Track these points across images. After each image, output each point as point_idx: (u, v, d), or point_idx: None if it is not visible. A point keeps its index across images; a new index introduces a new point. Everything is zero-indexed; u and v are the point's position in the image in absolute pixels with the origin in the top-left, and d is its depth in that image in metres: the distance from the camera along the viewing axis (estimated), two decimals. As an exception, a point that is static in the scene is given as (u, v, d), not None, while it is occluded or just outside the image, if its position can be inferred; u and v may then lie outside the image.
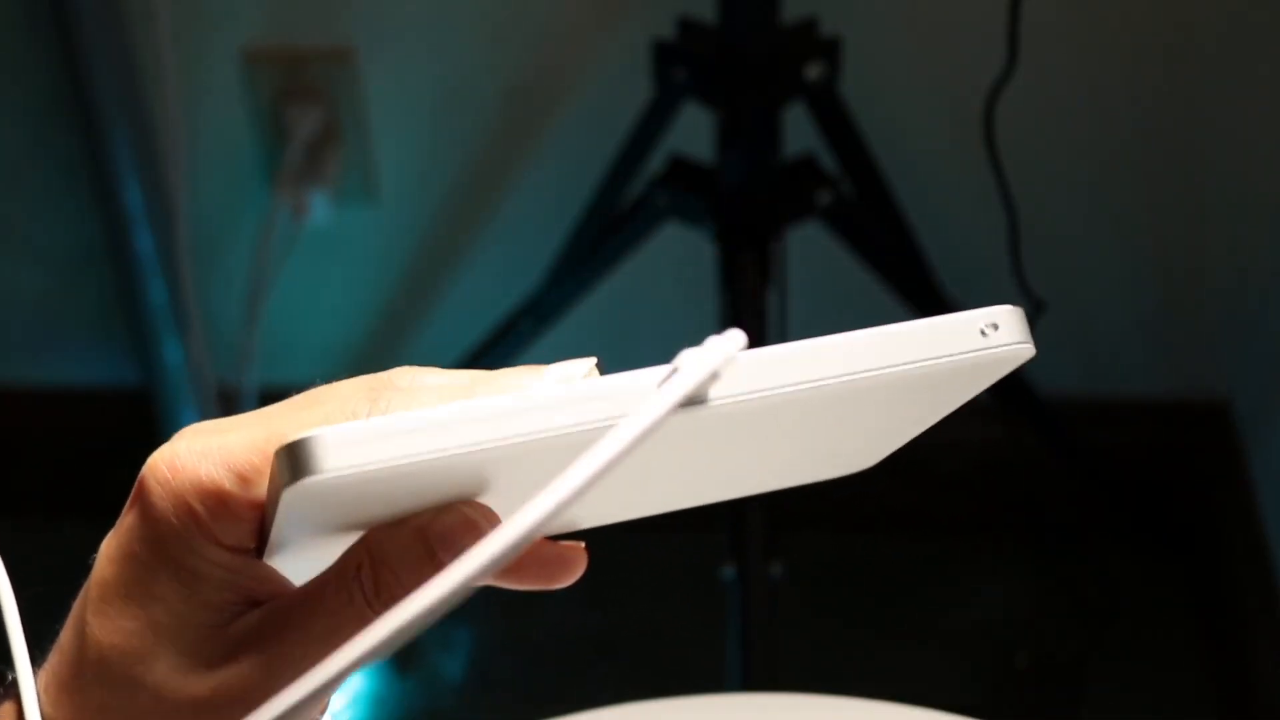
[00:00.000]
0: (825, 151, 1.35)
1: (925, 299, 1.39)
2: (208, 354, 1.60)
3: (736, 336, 0.39)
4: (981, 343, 0.41)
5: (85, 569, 0.45)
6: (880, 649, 1.57)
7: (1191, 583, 1.62)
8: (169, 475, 0.41)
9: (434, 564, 0.41)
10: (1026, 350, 0.41)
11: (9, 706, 0.45)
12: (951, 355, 0.41)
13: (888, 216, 1.39)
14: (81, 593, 0.44)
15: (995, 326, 0.41)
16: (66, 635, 0.45)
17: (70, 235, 1.61)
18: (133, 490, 0.43)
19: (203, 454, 0.42)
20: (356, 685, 1.54)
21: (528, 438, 0.39)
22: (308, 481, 0.38)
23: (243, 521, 0.41)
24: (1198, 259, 1.59)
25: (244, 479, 0.41)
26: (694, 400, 0.39)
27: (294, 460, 0.38)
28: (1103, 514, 1.65)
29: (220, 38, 1.49)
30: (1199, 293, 1.61)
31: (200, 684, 0.42)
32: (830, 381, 0.40)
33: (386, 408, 0.41)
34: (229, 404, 1.62)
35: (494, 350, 1.44)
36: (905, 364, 0.41)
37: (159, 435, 1.61)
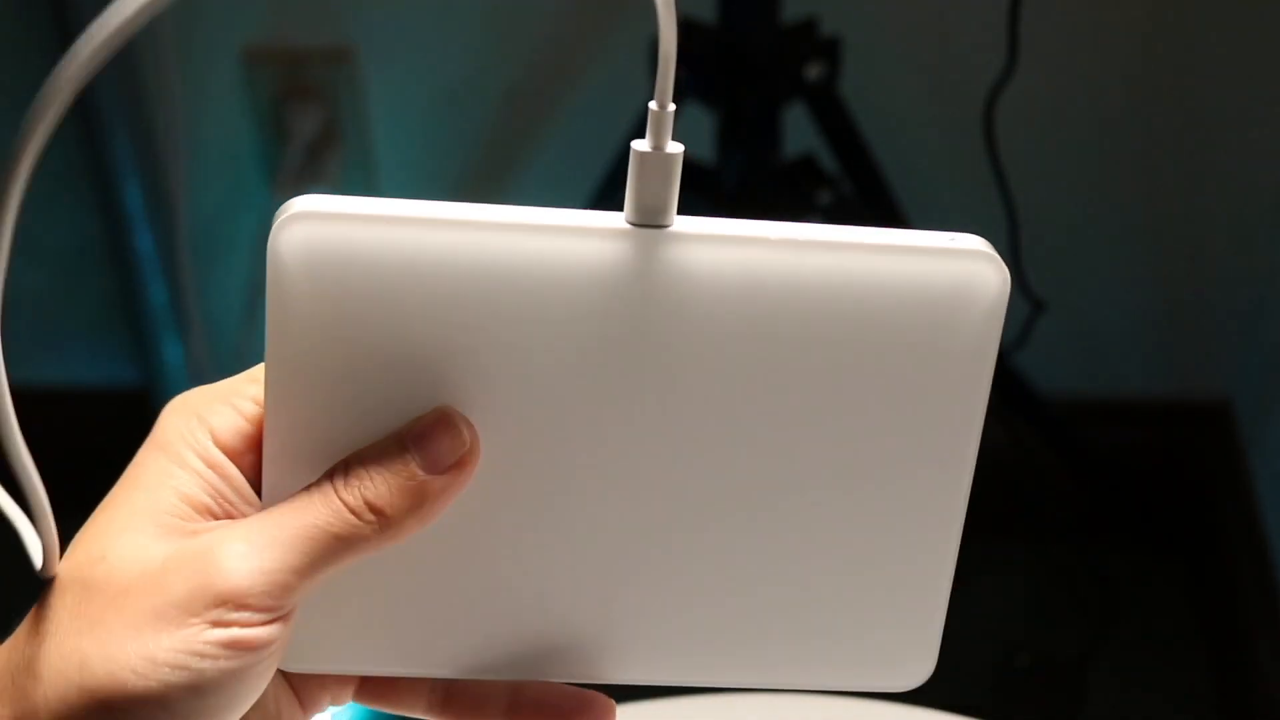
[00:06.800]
0: (825, 151, 1.35)
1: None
2: (208, 354, 1.60)
3: None
4: (946, 243, 0.44)
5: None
6: (880, 649, 1.57)
7: (1191, 583, 1.62)
8: (182, 395, 0.46)
9: (404, 460, 0.43)
10: (994, 276, 0.43)
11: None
12: (914, 248, 0.44)
13: (888, 217, 1.39)
14: None
15: (953, 239, 0.44)
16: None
17: (70, 235, 1.61)
18: None
19: (213, 386, 0.46)
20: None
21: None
22: (298, 228, 0.41)
23: (241, 419, 0.45)
24: (1198, 259, 1.59)
25: (254, 401, 0.45)
26: (655, 224, 0.42)
27: (290, 213, 0.42)
28: (1103, 514, 1.65)
29: (220, 38, 1.49)
30: (1199, 293, 1.61)
31: (157, 549, 0.43)
32: (782, 248, 0.42)
33: None
34: (229, 404, 1.62)
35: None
36: (865, 246, 0.43)
37: (159, 435, 1.62)
